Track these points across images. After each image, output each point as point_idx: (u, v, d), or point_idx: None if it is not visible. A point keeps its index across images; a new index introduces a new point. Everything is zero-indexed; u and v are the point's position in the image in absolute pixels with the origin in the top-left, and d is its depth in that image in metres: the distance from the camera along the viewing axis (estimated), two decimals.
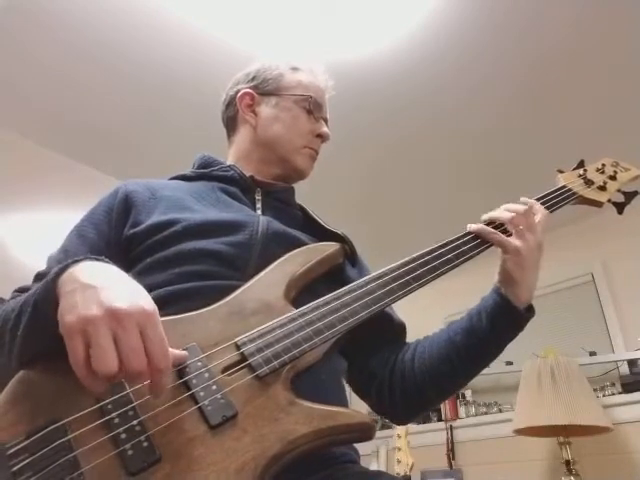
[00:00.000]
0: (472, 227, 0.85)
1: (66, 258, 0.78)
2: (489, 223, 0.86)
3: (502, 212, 0.86)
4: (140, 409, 0.56)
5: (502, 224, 0.85)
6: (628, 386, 2.56)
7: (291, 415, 0.61)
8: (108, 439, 0.54)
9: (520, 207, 0.85)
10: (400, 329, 0.95)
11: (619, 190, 1.03)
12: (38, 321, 0.59)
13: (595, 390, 2.57)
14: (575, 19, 2.04)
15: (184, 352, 0.61)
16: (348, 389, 0.90)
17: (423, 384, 0.85)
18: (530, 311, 0.82)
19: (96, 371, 0.50)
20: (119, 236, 0.83)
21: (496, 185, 2.95)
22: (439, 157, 2.83)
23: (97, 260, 0.62)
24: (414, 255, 0.82)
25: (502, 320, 0.80)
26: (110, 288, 0.55)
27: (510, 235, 0.83)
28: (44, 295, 0.59)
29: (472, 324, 0.82)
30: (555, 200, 0.94)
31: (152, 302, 0.57)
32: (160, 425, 0.56)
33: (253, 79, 1.02)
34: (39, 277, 0.78)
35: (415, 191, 3.13)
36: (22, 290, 0.76)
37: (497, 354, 0.83)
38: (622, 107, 2.45)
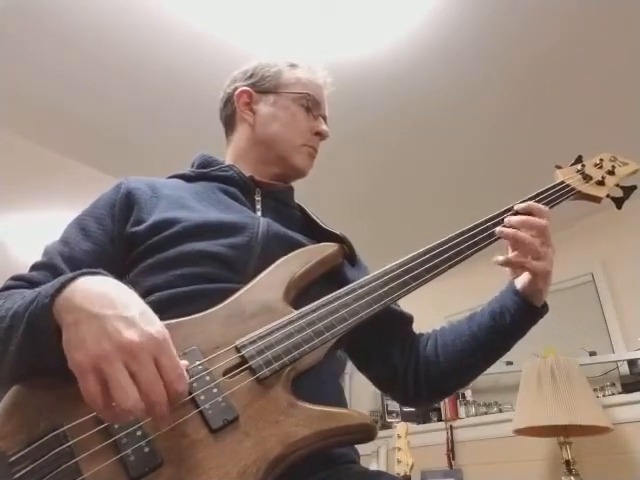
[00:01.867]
0: (499, 259, 0.83)
1: (68, 250, 0.78)
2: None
3: (527, 236, 0.81)
4: None
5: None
6: (628, 386, 2.56)
7: (292, 417, 0.61)
8: (109, 445, 0.54)
9: (543, 223, 0.83)
10: (410, 322, 0.97)
11: (618, 185, 1.01)
12: (32, 342, 0.58)
13: (595, 390, 2.57)
14: (575, 18, 2.04)
15: (183, 362, 0.60)
16: (347, 390, 0.91)
17: (448, 375, 0.89)
18: (545, 307, 0.86)
19: (119, 408, 0.49)
20: (121, 232, 0.82)
21: (497, 183, 2.95)
22: (439, 157, 2.83)
23: (94, 274, 0.60)
24: (413, 254, 0.82)
25: (525, 320, 0.84)
26: (116, 316, 0.53)
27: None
28: (39, 316, 0.57)
29: (496, 323, 0.85)
30: (554, 196, 0.93)
31: (160, 324, 0.56)
32: (161, 430, 0.56)
33: (251, 77, 1.00)
34: (36, 268, 0.78)
35: (415, 190, 3.12)
36: (18, 279, 0.75)
37: (512, 346, 0.88)
38: (623, 105, 2.44)
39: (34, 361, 0.59)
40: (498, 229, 0.83)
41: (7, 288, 0.73)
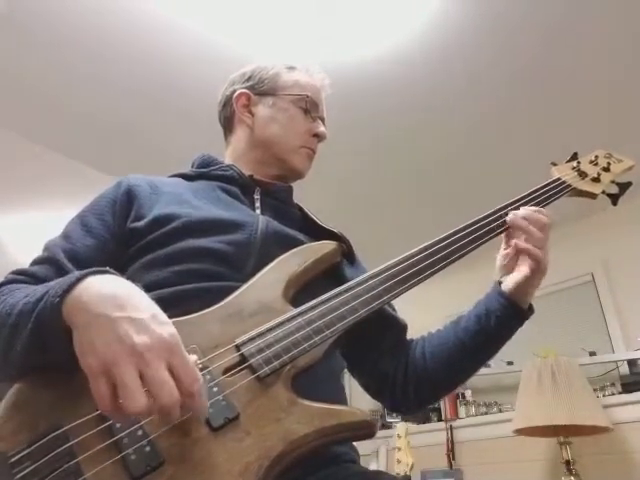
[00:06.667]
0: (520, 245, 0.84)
1: (70, 245, 0.78)
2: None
3: (533, 214, 0.85)
4: None
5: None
6: (628, 386, 2.56)
7: (293, 415, 0.61)
8: (110, 444, 0.54)
9: (546, 220, 0.86)
10: (404, 329, 0.97)
11: (613, 181, 1.02)
12: (41, 341, 0.58)
13: (595, 390, 2.57)
14: (575, 18, 2.04)
15: (193, 356, 0.60)
16: (347, 389, 0.91)
17: (437, 381, 0.89)
18: (531, 309, 0.86)
19: (126, 412, 0.49)
20: (122, 229, 0.83)
21: (492, 183, 2.94)
22: (434, 158, 2.83)
23: (102, 273, 0.60)
24: (411, 252, 0.82)
25: (511, 322, 0.84)
26: (126, 318, 0.53)
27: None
28: (49, 317, 0.57)
29: (482, 326, 0.85)
30: (550, 192, 0.94)
31: (171, 325, 0.55)
32: (162, 429, 0.56)
33: (249, 79, 1.01)
34: (37, 263, 0.78)
35: (409, 192, 3.12)
36: (20, 273, 0.75)
37: (501, 347, 0.88)
38: (624, 97, 2.43)
39: (40, 359, 0.59)
40: (509, 217, 0.86)
41: (9, 282, 0.73)
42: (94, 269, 0.60)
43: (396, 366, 0.91)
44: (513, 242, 0.85)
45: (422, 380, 0.89)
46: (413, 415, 3.26)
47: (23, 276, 0.75)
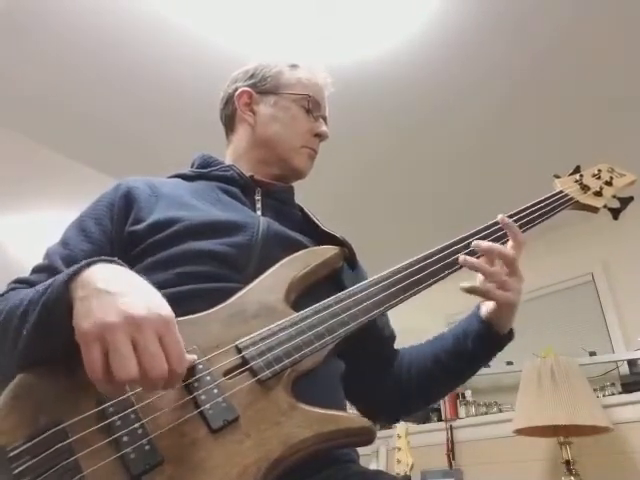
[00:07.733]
0: (464, 286, 0.79)
1: (67, 252, 0.78)
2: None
3: (490, 268, 0.79)
4: (142, 412, 0.56)
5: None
6: (628, 386, 2.56)
7: (292, 419, 0.61)
8: (110, 442, 0.54)
9: (510, 254, 0.81)
10: (392, 340, 0.98)
11: (614, 196, 1.04)
12: (47, 323, 0.59)
13: (595, 390, 2.57)
14: (575, 18, 2.04)
15: (193, 355, 0.61)
16: None
17: (412, 396, 0.91)
18: (511, 333, 0.85)
19: (116, 378, 0.50)
20: (121, 232, 0.82)
21: (486, 185, 2.94)
22: (435, 158, 2.82)
23: (109, 262, 0.62)
24: (413, 259, 0.82)
25: (487, 346, 0.84)
26: (126, 294, 0.55)
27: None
28: (55, 297, 0.58)
29: (459, 347, 0.85)
30: (552, 205, 0.95)
31: (168, 307, 0.57)
32: (162, 428, 0.56)
33: (251, 77, 1.01)
34: (37, 271, 0.78)
35: (410, 193, 3.12)
36: (21, 282, 0.76)
37: (477, 370, 0.88)
38: (624, 104, 2.44)
39: (46, 344, 0.59)
40: (461, 258, 0.80)
41: (12, 290, 0.74)
42: (102, 257, 0.62)
43: (377, 376, 0.92)
44: (477, 283, 0.80)
45: (399, 394, 0.90)
46: (413, 415, 3.27)
47: (25, 284, 0.75)
